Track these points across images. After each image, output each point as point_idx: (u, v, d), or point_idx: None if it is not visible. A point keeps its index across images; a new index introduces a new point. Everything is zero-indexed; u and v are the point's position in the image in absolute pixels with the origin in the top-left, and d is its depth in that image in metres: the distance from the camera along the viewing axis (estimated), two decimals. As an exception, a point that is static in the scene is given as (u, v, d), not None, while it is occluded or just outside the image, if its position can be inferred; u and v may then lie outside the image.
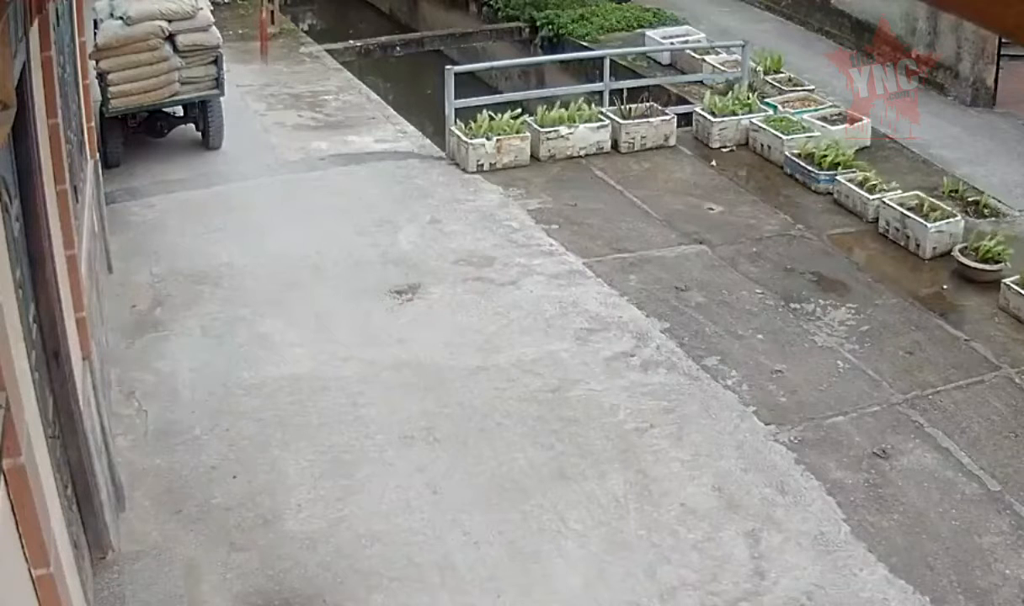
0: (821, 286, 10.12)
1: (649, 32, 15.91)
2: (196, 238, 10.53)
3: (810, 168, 11.91)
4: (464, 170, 12.15)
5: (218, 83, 12.39)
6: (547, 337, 9.15)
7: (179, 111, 12.71)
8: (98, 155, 10.88)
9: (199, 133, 12.80)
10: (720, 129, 12.92)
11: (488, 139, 12.19)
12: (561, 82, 15.31)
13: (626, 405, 8.30)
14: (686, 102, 14.06)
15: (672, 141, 12.93)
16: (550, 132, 12.50)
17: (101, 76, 11.75)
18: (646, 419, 8.16)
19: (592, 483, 7.50)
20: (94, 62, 11.57)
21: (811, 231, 11.13)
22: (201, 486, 7.35)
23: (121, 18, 11.66)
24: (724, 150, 12.89)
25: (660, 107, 13.29)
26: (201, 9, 12.21)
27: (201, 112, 12.61)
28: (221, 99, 12.54)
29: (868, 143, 12.78)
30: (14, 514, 3.66)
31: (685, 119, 13.38)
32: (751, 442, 7.98)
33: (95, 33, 11.88)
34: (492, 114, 12.54)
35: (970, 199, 11.44)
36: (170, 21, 11.90)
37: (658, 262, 10.43)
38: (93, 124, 10.52)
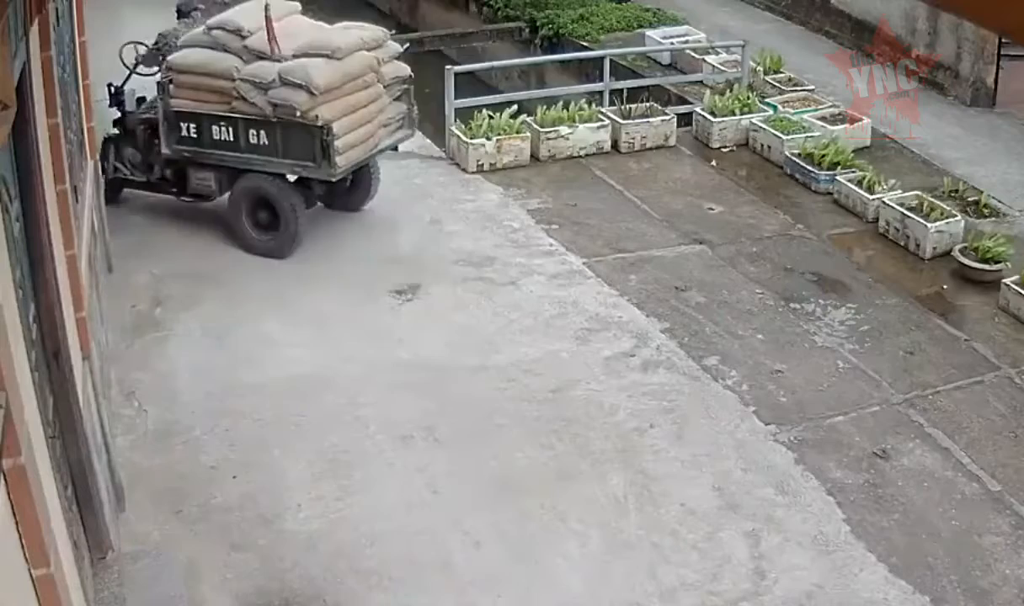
0: (821, 286, 10.12)
1: (649, 32, 15.90)
2: (196, 238, 10.51)
3: (810, 168, 11.90)
4: (464, 170, 12.14)
5: (409, 121, 10.64)
6: (547, 337, 9.15)
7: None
8: (280, 240, 9.44)
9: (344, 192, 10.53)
10: (720, 129, 12.92)
11: (488, 139, 12.19)
12: (561, 82, 15.29)
13: (626, 405, 8.30)
14: (686, 102, 14.06)
15: (672, 141, 12.92)
16: (550, 132, 12.50)
17: (322, 129, 9.41)
18: (646, 419, 8.16)
19: (592, 483, 7.50)
20: (299, 112, 9.33)
21: (811, 231, 11.13)
22: (201, 486, 7.34)
23: (327, 55, 9.51)
24: (724, 150, 12.88)
25: (660, 107, 13.29)
26: (391, 33, 10.56)
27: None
28: None
29: (868, 143, 12.77)
30: (14, 514, 3.66)
31: (685, 119, 13.38)
32: (751, 442, 7.98)
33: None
34: (492, 114, 12.54)
35: (970, 199, 11.44)
36: (371, 50, 10.00)
37: (658, 262, 10.43)
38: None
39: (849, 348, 9.15)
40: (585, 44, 16.09)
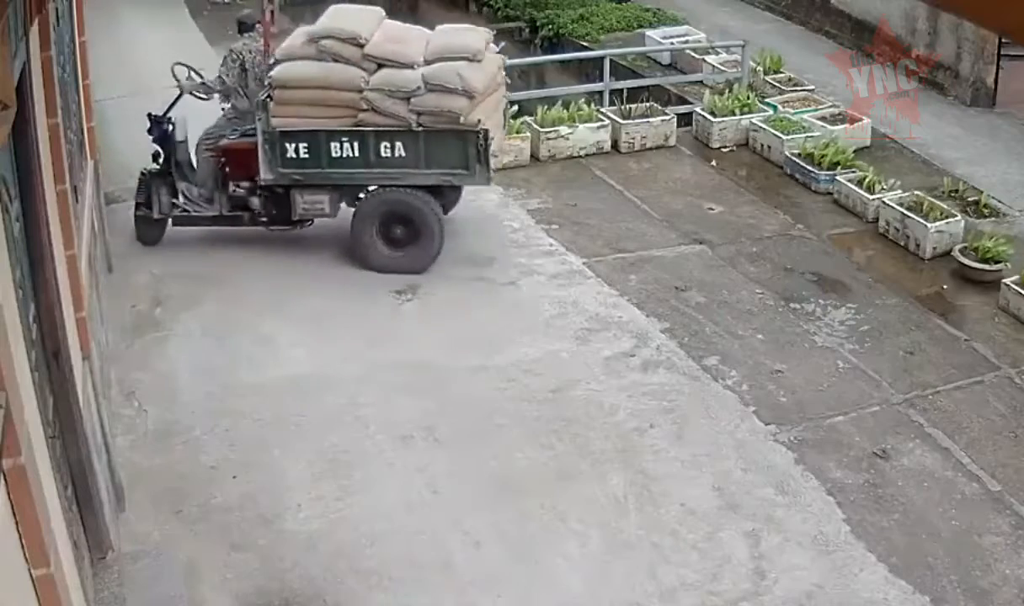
0: (821, 286, 10.12)
1: (649, 32, 15.90)
2: (196, 238, 10.51)
3: (810, 168, 11.91)
4: (464, 170, 12.13)
5: (505, 119, 10.29)
6: (547, 337, 9.15)
7: None
8: (427, 250, 9.18)
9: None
10: (720, 129, 12.92)
11: (488, 139, 12.17)
12: (561, 82, 15.29)
13: (626, 405, 8.30)
14: (686, 102, 14.06)
15: (672, 141, 12.92)
16: (550, 132, 12.50)
17: (478, 134, 9.06)
18: (646, 419, 8.16)
19: (592, 483, 7.50)
20: (462, 118, 8.95)
21: (811, 231, 11.13)
22: (201, 486, 7.35)
23: (468, 58, 9.13)
24: (724, 150, 12.88)
25: (660, 107, 13.30)
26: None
27: None
28: None
29: (868, 143, 12.77)
30: (14, 514, 3.66)
31: (685, 119, 13.38)
32: (751, 442, 7.98)
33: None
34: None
35: (970, 199, 11.44)
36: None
37: (658, 262, 10.43)
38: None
39: (849, 348, 9.15)
40: (585, 44, 16.10)
